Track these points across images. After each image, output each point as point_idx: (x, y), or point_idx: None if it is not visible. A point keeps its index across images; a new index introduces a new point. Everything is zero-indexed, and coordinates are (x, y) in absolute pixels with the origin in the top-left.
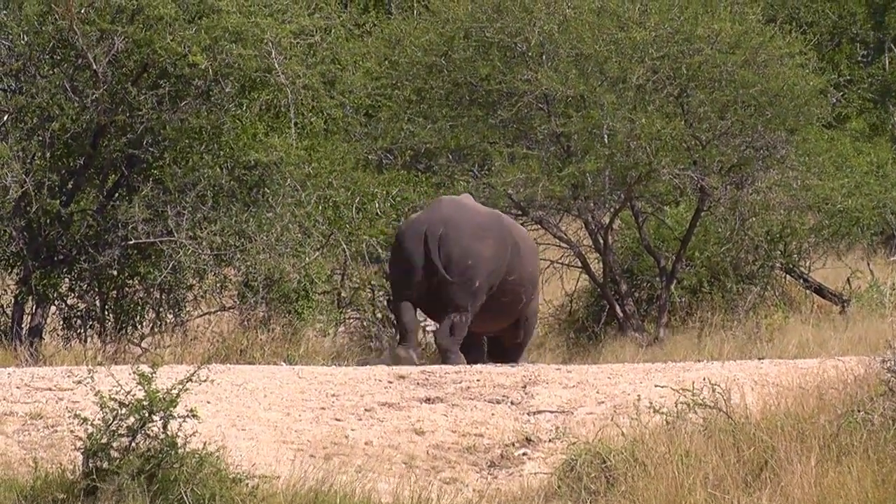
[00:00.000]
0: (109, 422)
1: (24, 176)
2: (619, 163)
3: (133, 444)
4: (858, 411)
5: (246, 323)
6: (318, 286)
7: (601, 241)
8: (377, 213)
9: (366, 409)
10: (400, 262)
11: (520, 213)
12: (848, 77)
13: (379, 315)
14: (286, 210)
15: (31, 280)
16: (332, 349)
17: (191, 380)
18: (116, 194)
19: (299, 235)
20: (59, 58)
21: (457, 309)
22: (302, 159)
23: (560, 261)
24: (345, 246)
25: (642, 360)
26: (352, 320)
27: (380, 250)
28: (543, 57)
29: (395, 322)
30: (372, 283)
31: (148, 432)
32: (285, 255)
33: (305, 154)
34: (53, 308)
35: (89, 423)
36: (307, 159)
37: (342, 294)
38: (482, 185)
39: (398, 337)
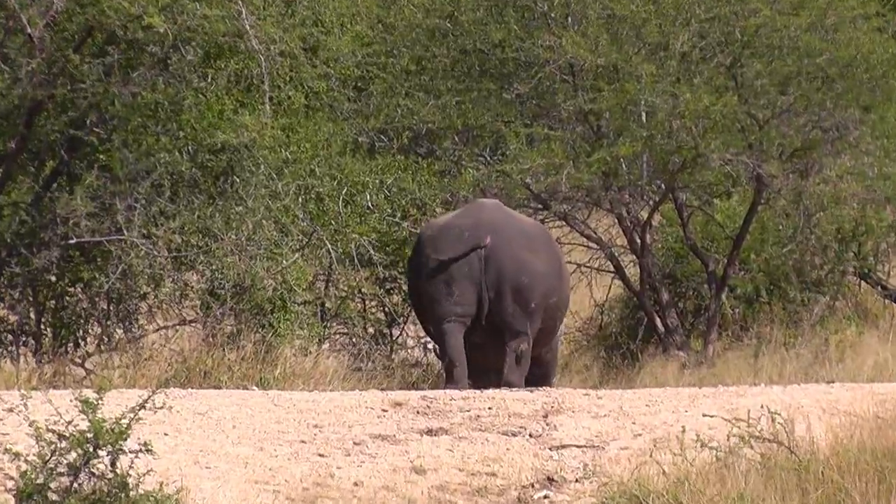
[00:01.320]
0: (47, 458)
1: None
2: (659, 146)
3: (75, 485)
4: None
5: (211, 339)
6: (298, 295)
7: (638, 241)
8: (369, 207)
9: (355, 443)
10: (433, 276)
11: (540, 206)
12: None
13: (371, 330)
14: (259, 203)
15: None
16: (314, 371)
17: (144, 407)
18: (55, 184)
19: (275, 234)
20: None
21: (515, 336)
22: (278, 142)
23: (588, 264)
24: (330, 247)
25: (687, 384)
26: (338, 336)
27: (371, 251)
28: (569, 19)
29: (437, 354)
30: (362, 291)
31: (93, 470)
32: (258, 258)
33: (283, 135)
34: None
35: (22, 459)
36: (285, 142)
37: (326, 305)
38: (495, 172)
39: (443, 372)
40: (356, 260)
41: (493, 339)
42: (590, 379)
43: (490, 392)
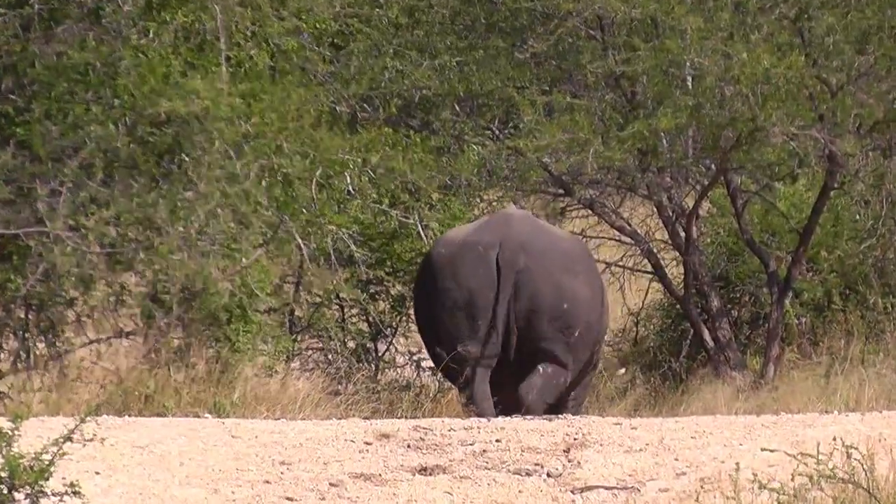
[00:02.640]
0: None
1: None
2: (708, 118)
3: None
4: None
5: (153, 355)
6: (261, 301)
7: (682, 235)
8: (349, 193)
9: (332, 484)
10: (454, 298)
11: (561, 192)
12: None
13: (351, 344)
14: (213, 188)
15: None
16: (281, 395)
17: (71, 439)
18: None
19: (233, 226)
20: None
21: (551, 359)
22: (237, 112)
23: (621, 263)
24: (301, 241)
25: (743, 411)
26: (311, 352)
27: (352, 247)
28: None
29: (462, 394)
30: (341, 296)
31: None
32: (212, 255)
33: (242, 104)
34: None
35: None
36: (245, 112)
37: (297, 313)
38: (505, 150)
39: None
40: (333, 258)
41: (523, 376)
42: (622, 405)
43: (499, 421)
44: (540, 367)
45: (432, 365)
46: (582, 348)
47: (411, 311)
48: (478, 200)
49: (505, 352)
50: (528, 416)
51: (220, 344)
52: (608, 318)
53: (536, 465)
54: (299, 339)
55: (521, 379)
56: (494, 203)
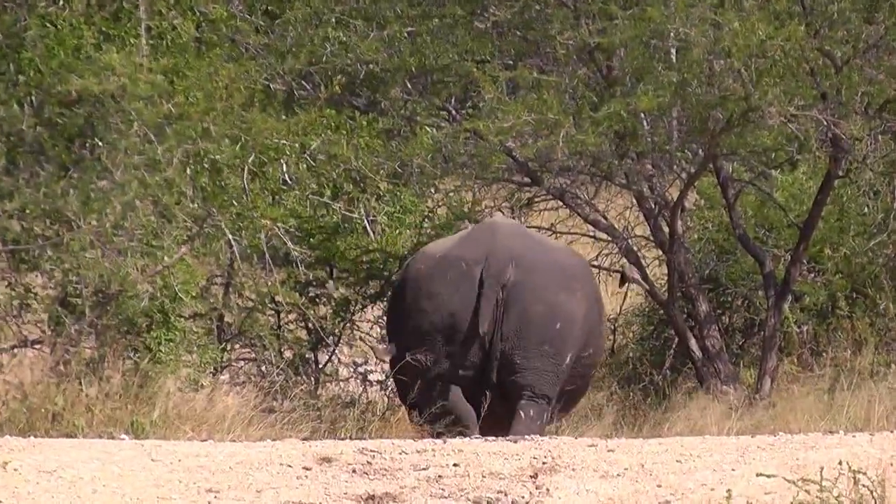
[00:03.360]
0: None
1: None
2: (694, 97)
3: None
4: None
5: (63, 367)
6: (186, 305)
7: (665, 230)
8: (286, 182)
9: None
10: (431, 321)
11: (527, 182)
12: None
13: (288, 354)
14: (131, 176)
15: None
16: (208, 412)
17: None
18: None
19: (153, 219)
20: None
21: (534, 400)
22: (159, 90)
23: (595, 262)
24: (231, 237)
25: (735, 431)
26: (242, 363)
27: (289, 244)
28: None
29: (438, 414)
30: (276, 300)
31: None
32: (129, 253)
33: (164, 81)
34: None
35: None
36: (167, 90)
37: (226, 319)
38: (462, 133)
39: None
40: (268, 256)
41: (504, 405)
42: (598, 424)
43: (456, 442)
44: (521, 412)
45: (380, 379)
46: (573, 377)
47: (356, 317)
48: (432, 191)
49: (483, 378)
50: (493, 438)
51: (139, 354)
52: (601, 344)
53: (500, 492)
54: (229, 348)
55: (502, 408)
56: (451, 193)
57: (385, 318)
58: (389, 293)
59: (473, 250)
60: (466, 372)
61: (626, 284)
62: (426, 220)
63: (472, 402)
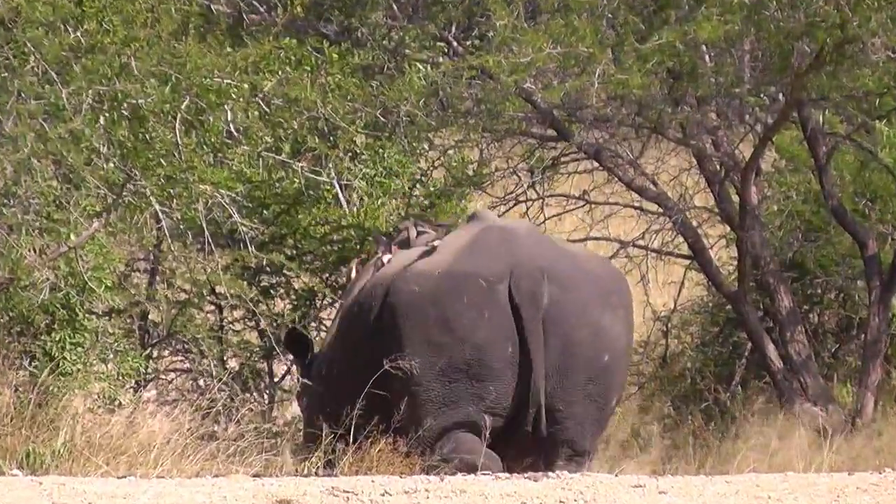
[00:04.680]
0: None
1: None
2: (773, 24)
3: None
4: None
5: None
6: (99, 298)
7: (735, 200)
8: (231, 135)
9: None
10: (451, 358)
11: (552, 135)
12: None
13: (234, 364)
14: (25, 128)
15: None
16: (127, 440)
17: None
18: None
19: (55, 185)
20: None
21: (573, 455)
22: (63, 14)
23: (641, 242)
24: (158, 208)
25: (828, 466)
26: (173, 375)
27: (237, 217)
28: None
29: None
30: (218, 291)
31: None
32: (24, 230)
33: (70, 3)
34: None
35: None
36: (74, 14)
37: (151, 316)
38: (466, 70)
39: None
40: (207, 233)
41: (530, 458)
42: (645, 456)
43: (457, 481)
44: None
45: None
46: (609, 417)
47: (323, 314)
48: (425, 147)
49: (515, 424)
50: (505, 475)
51: (37, 363)
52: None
53: None
54: (155, 355)
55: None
56: (450, 151)
57: (335, 358)
58: (344, 324)
59: (488, 263)
60: (495, 420)
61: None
62: (417, 185)
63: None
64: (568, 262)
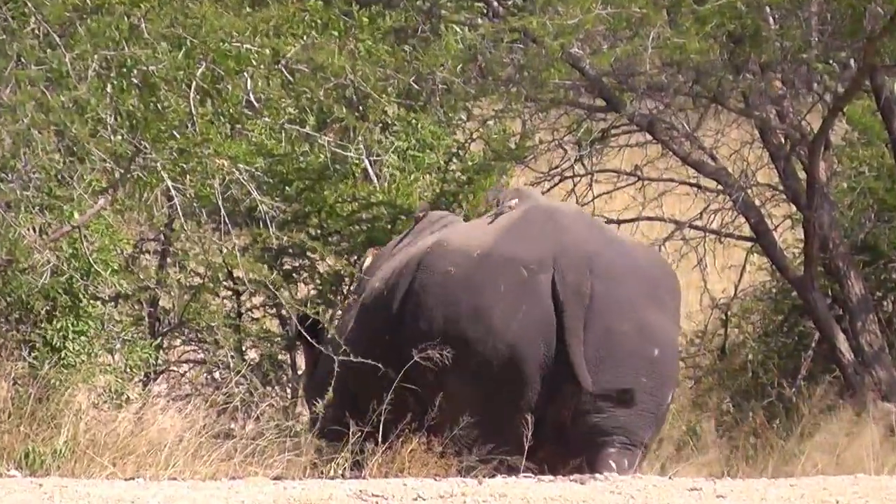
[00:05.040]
0: None
1: None
2: None
3: None
4: None
5: None
6: (105, 282)
7: (801, 177)
8: (251, 105)
9: None
10: (479, 353)
11: (601, 104)
12: None
13: (253, 355)
14: (25, 96)
15: None
16: (136, 438)
17: None
18: None
19: (58, 158)
20: None
21: (626, 444)
22: None
23: (698, 223)
24: (170, 184)
25: None
26: (186, 367)
27: (256, 194)
28: None
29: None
30: (236, 275)
31: None
32: (23, 207)
33: None
34: None
35: None
36: None
37: (162, 303)
38: (506, 32)
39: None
40: (223, 212)
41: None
42: (702, 457)
43: (496, 483)
44: (610, 462)
45: None
46: (664, 414)
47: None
48: (462, 118)
49: (551, 422)
50: (549, 477)
51: (37, 353)
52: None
53: None
54: (167, 345)
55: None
56: (490, 122)
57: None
58: (366, 302)
59: (532, 248)
60: (524, 414)
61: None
62: (453, 160)
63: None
64: (618, 253)
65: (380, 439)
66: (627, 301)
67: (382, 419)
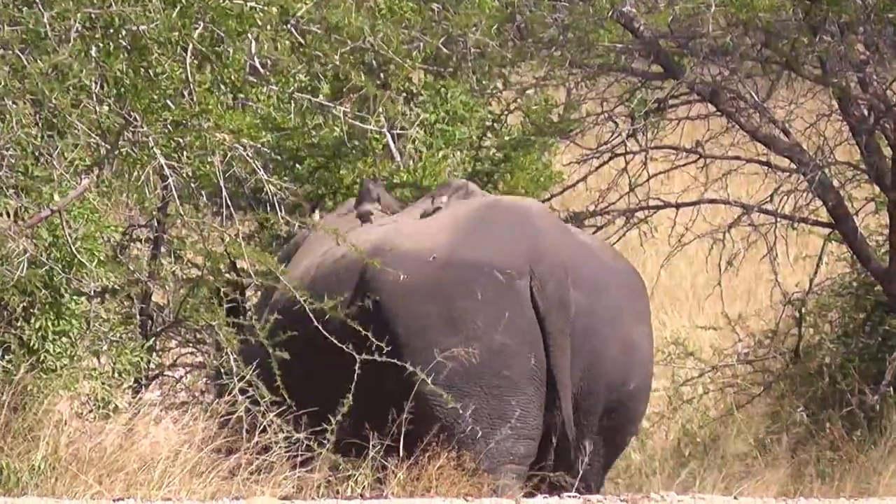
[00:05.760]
0: None
1: None
2: None
3: None
4: None
5: None
6: (89, 275)
7: (885, 154)
8: (256, 71)
9: None
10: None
11: (658, 71)
12: None
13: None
14: None
15: None
16: (125, 453)
17: None
18: None
19: (34, 132)
20: None
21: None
22: None
23: (768, 206)
24: (164, 161)
25: None
26: (182, 372)
27: (262, 173)
28: None
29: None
30: (239, 266)
31: None
32: None
33: None
34: None
35: None
36: None
37: (155, 297)
38: None
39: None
40: (225, 194)
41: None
42: (770, 473)
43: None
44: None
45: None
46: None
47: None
48: (498, 87)
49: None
50: (598, 497)
51: (11, 356)
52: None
53: None
54: (160, 347)
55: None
56: (530, 91)
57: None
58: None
59: (501, 251)
60: (527, 449)
61: None
62: (488, 134)
63: None
64: (592, 259)
65: (401, 453)
66: (611, 316)
67: (403, 431)
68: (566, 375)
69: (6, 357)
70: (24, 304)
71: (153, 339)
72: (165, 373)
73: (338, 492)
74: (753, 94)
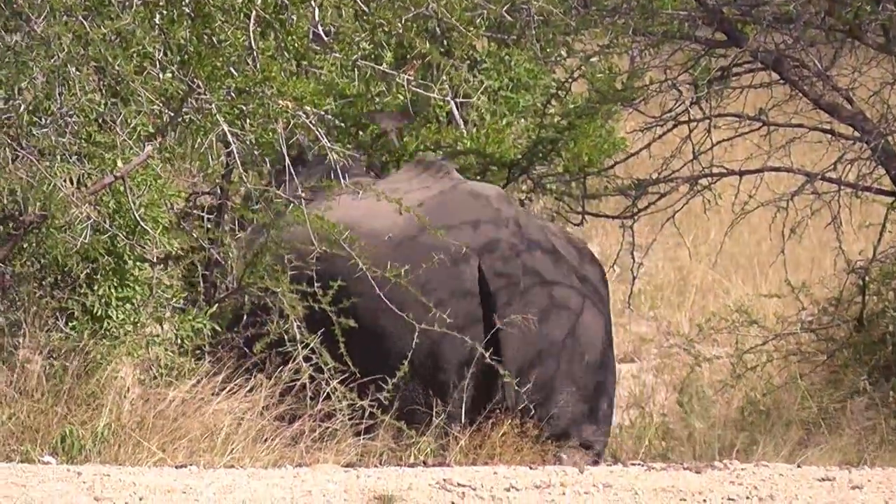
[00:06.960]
0: None
1: None
2: None
3: None
4: None
5: None
6: (152, 242)
7: None
8: (319, 38)
9: None
10: (399, 348)
11: (721, 39)
12: None
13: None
14: (62, 28)
15: None
16: (190, 420)
17: None
18: None
19: (98, 98)
20: None
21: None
22: None
23: (832, 173)
24: (227, 129)
25: None
26: (246, 339)
27: (325, 141)
28: None
29: None
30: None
31: None
32: (59, 155)
33: None
34: None
35: None
36: None
37: (215, 266)
38: None
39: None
40: (288, 161)
41: None
42: (834, 442)
43: (600, 472)
44: None
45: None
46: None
47: None
48: (562, 54)
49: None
50: (649, 464)
51: (75, 322)
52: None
53: None
54: (221, 313)
55: None
56: (594, 59)
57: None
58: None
59: (453, 233)
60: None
61: None
62: (552, 102)
63: None
64: (545, 243)
65: (464, 421)
66: (562, 302)
67: (465, 398)
68: (513, 357)
69: (70, 324)
70: (88, 271)
71: (216, 305)
72: (229, 341)
73: (401, 458)
74: (817, 62)
